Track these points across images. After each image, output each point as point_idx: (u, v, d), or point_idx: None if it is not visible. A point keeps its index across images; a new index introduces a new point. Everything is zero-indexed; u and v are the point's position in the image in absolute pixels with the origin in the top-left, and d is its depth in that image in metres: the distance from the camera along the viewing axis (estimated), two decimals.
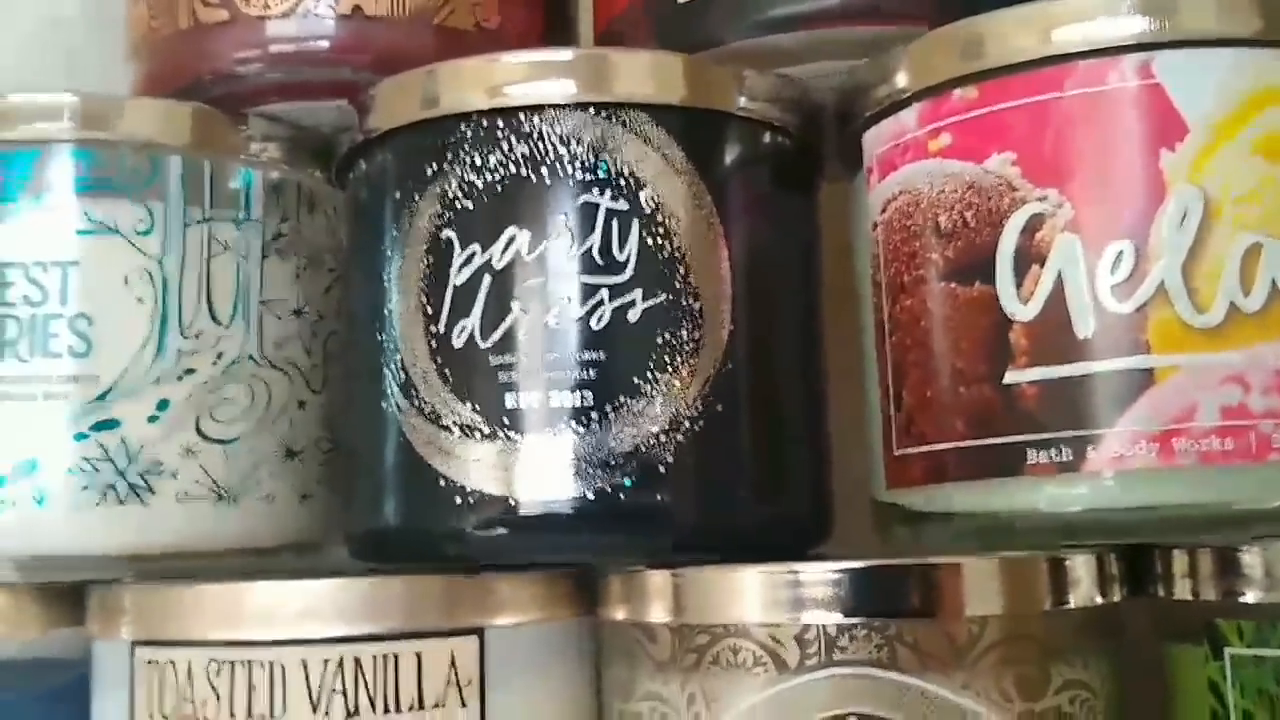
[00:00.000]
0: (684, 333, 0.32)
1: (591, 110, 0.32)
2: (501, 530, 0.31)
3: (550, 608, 0.33)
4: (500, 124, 0.32)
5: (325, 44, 0.34)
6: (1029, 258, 0.30)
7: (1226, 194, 0.29)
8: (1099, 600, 0.31)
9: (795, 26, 0.34)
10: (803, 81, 0.35)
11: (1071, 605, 0.31)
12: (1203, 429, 0.28)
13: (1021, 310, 0.30)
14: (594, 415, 0.31)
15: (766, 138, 0.34)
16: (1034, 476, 0.30)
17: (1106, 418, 0.29)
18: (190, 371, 0.34)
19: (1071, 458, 0.29)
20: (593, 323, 0.31)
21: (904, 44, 0.32)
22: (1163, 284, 0.29)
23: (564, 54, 0.33)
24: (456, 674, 0.32)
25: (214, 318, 0.35)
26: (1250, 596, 0.30)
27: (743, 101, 0.33)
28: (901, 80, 0.32)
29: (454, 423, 0.31)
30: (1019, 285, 0.30)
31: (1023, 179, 0.30)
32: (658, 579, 0.31)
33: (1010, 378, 0.30)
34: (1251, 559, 0.30)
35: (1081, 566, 0.31)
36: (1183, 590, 0.32)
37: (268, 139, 0.36)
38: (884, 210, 0.33)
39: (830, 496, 0.36)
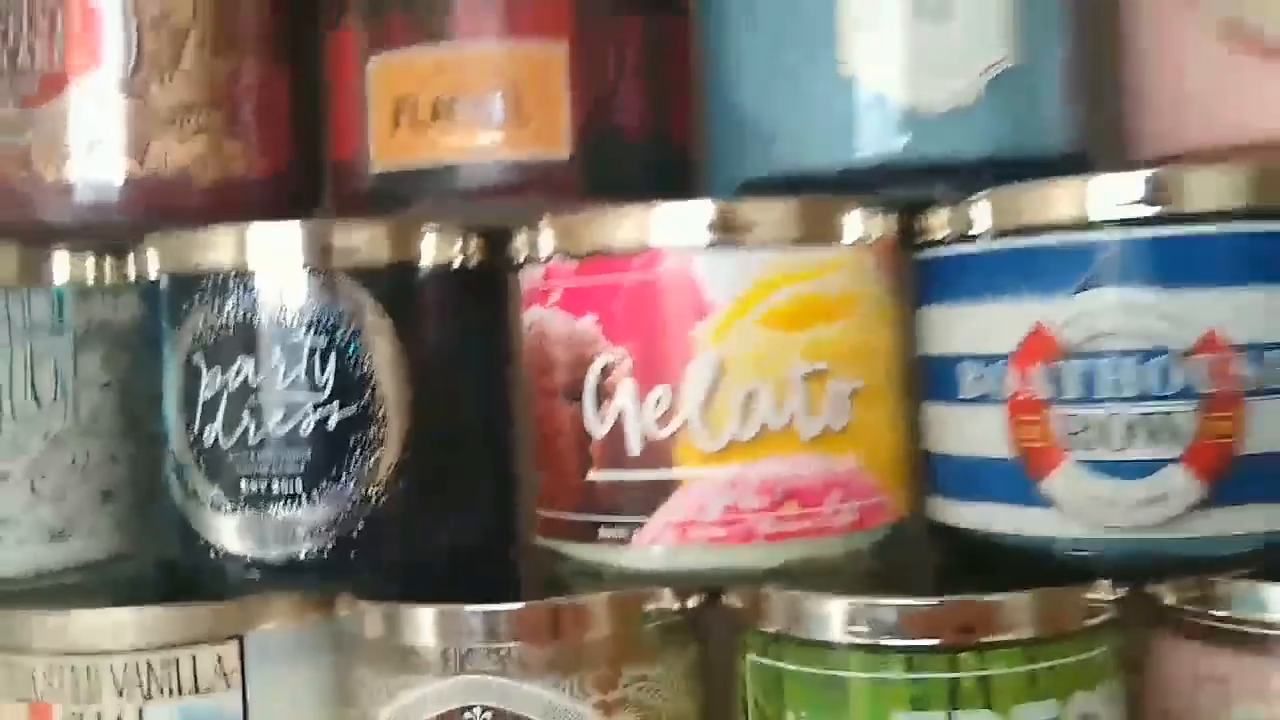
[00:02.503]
0: (370, 432, 0.44)
1: (302, 272, 0.43)
2: (242, 578, 0.44)
3: (292, 618, 0.46)
4: (233, 281, 0.43)
5: (113, 198, 0.46)
6: (603, 393, 0.42)
7: (736, 355, 0.41)
8: (667, 619, 0.44)
9: (465, 197, 0.45)
10: (483, 229, 0.46)
11: (641, 626, 0.44)
12: (708, 521, 0.41)
13: (598, 429, 0.42)
14: (302, 496, 0.43)
15: (448, 275, 0.45)
16: (605, 545, 0.42)
17: (647, 510, 0.42)
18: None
19: (626, 536, 0.42)
20: (300, 429, 0.43)
21: (546, 216, 0.44)
22: (687, 420, 0.41)
23: (276, 226, 0.44)
24: (223, 667, 0.45)
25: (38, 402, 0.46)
26: (762, 622, 0.43)
27: (427, 252, 0.45)
28: (534, 244, 0.44)
29: (208, 500, 0.44)
30: (597, 411, 0.42)
31: (602, 335, 0.42)
32: (366, 608, 0.45)
33: (591, 476, 0.43)
34: (765, 598, 0.43)
35: (654, 599, 0.44)
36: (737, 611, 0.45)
37: (73, 263, 0.47)
38: (528, 333, 0.45)
39: (513, 530, 0.49)
